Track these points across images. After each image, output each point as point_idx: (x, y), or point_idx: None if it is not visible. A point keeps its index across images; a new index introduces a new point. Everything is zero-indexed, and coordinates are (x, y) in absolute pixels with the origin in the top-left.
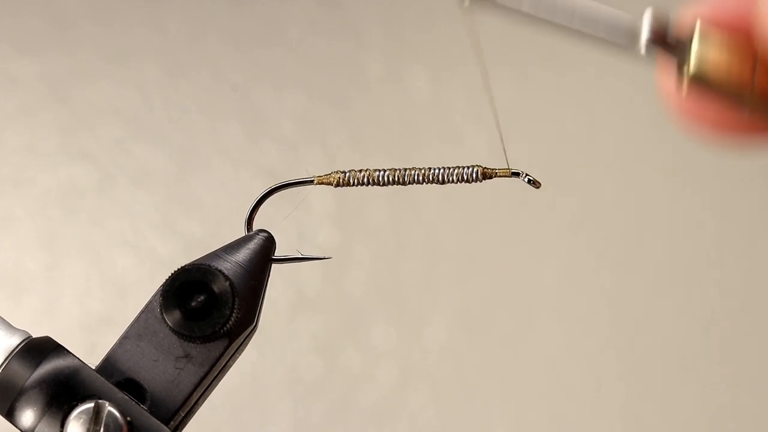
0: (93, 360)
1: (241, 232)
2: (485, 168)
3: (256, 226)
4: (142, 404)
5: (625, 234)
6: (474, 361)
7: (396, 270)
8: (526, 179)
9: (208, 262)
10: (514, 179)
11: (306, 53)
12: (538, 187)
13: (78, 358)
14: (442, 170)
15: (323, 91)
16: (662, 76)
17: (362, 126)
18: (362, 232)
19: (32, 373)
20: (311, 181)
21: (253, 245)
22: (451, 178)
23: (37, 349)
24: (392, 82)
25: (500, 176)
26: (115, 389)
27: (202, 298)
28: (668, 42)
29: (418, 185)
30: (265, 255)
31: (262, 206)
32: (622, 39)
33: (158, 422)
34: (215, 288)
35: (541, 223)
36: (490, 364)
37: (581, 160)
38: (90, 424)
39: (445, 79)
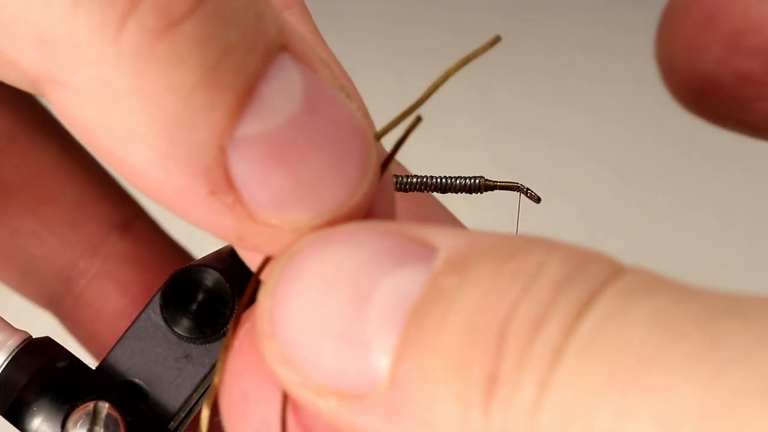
0: (92, 360)
1: None
2: (487, 180)
3: None
4: (143, 405)
5: (625, 234)
6: None
7: None
8: (528, 193)
9: (208, 263)
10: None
11: None
12: (538, 202)
13: (78, 359)
14: (443, 179)
15: None
16: None
17: None
18: None
19: (32, 373)
20: None
21: None
22: (452, 188)
23: (38, 349)
24: (392, 81)
25: (501, 188)
26: (115, 390)
27: (202, 298)
28: None
29: (418, 192)
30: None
31: None
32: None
33: (158, 423)
34: (215, 288)
35: (541, 223)
36: None
37: (581, 159)
38: (90, 424)
39: None
